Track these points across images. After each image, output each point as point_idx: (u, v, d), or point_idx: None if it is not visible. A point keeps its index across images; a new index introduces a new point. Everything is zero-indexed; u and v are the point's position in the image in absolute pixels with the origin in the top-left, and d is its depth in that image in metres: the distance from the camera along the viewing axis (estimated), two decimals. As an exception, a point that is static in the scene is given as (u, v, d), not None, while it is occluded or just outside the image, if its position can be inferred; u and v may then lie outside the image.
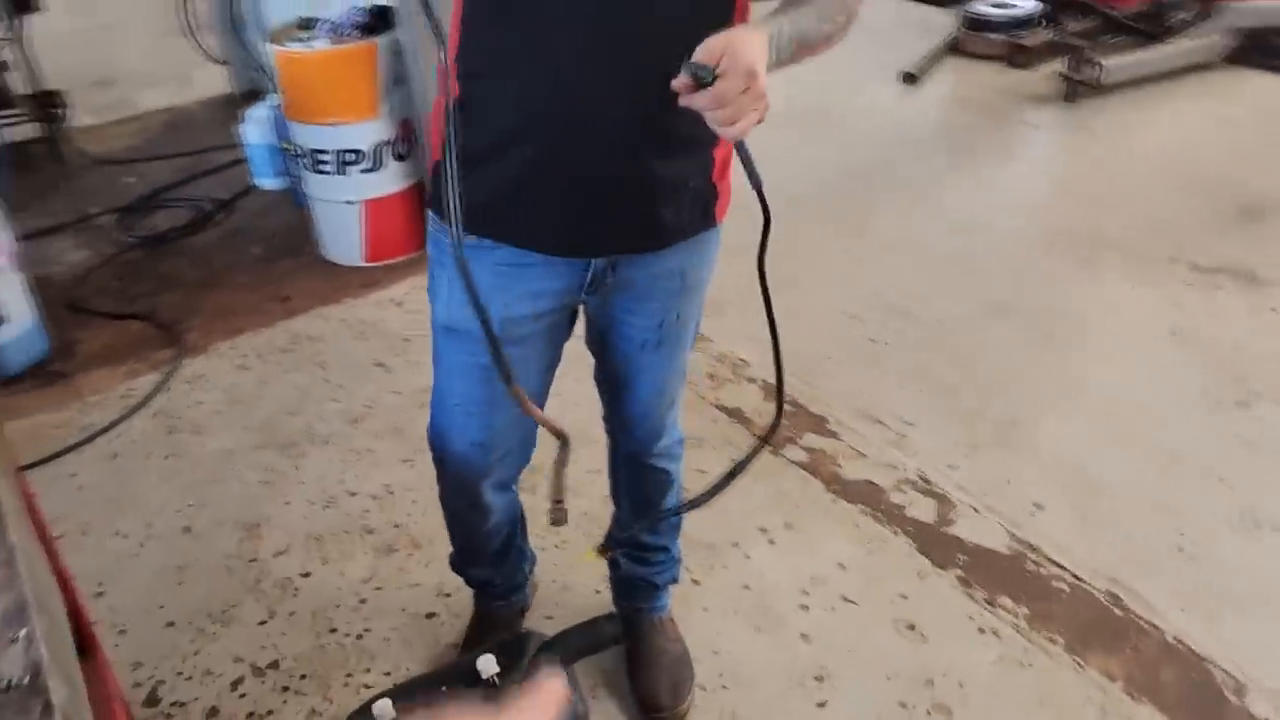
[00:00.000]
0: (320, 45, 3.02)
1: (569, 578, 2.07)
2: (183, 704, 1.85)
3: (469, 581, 1.86)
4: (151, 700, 1.86)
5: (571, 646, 1.43)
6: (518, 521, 1.80)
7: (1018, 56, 5.03)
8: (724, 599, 2.02)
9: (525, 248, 1.30)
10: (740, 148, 1.12)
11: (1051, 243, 3.42)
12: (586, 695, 1.51)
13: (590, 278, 1.35)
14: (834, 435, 2.44)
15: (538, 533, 2.10)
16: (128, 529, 2.26)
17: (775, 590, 2.03)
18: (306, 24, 3.18)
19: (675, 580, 1.87)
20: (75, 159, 4.39)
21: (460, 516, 1.70)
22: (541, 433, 1.42)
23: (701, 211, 1.37)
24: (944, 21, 5.53)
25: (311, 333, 2.98)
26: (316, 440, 2.50)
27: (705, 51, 1.02)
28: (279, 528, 2.24)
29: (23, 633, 0.86)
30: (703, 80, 1.03)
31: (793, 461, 2.36)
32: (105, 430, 2.58)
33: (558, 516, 1.44)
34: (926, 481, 2.29)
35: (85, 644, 1.63)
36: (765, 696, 1.82)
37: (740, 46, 1.01)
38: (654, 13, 1.14)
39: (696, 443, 2.43)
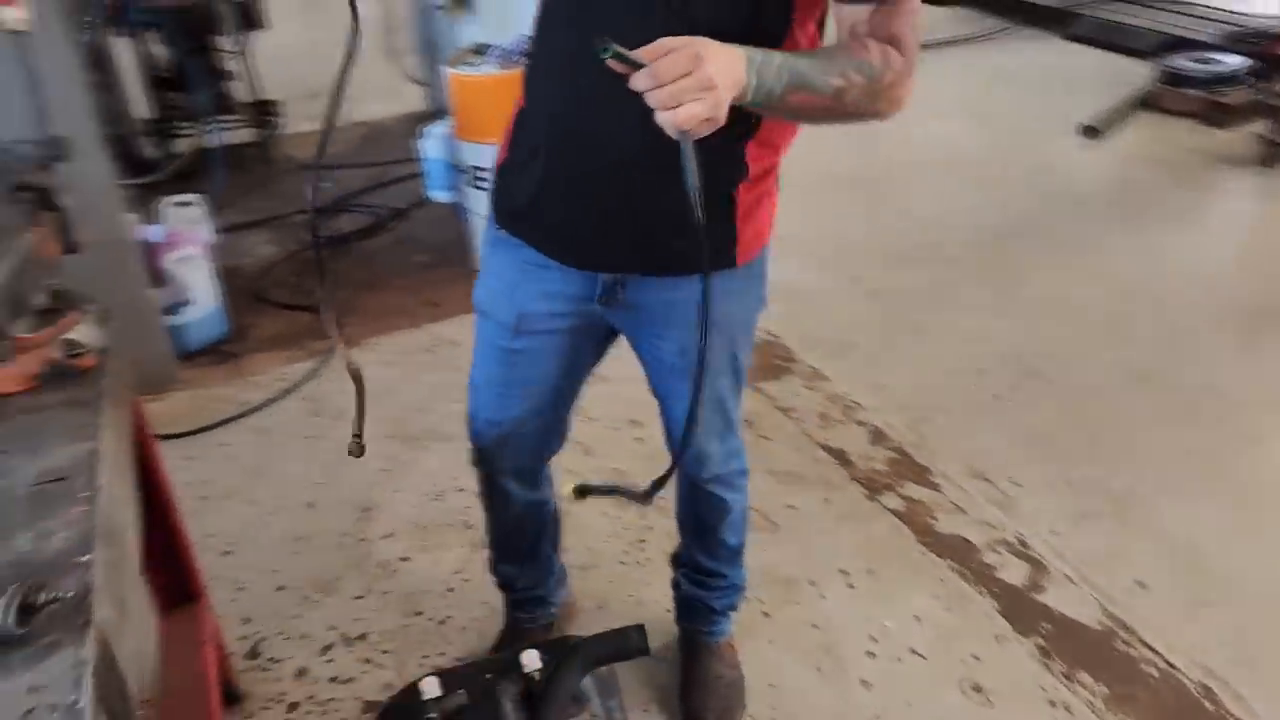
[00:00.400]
0: (488, 70, 3.23)
1: (643, 593, 2.13)
2: (277, 660, 2.03)
3: (498, 579, 1.93)
4: (252, 654, 2.04)
5: (594, 653, 1.50)
6: (546, 526, 1.87)
7: (1215, 115, 4.76)
8: (791, 635, 2.03)
9: (540, 252, 1.40)
10: (682, 144, 1.06)
11: (1221, 318, 3.22)
12: (619, 704, 1.57)
13: (600, 290, 1.42)
14: (935, 487, 2.41)
15: (624, 549, 2.18)
16: (262, 498, 2.49)
17: (844, 633, 2.02)
18: (480, 50, 3.40)
19: (734, 608, 1.90)
20: (282, 163, 4.82)
21: (486, 499, 1.80)
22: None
23: (715, 249, 1.38)
24: (1140, 73, 5.30)
25: (453, 338, 3.17)
26: (438, 437, 2.67)
27: (651, 46, 1.02)
28: (389, 513, 2.41)
29: (85, 558, 1.01)
30: (624, 60, 1.01)
31: (888, 508, 2.34)
32: (259, 408, 2.84)
33: (354, 449, 1.54)
34: (1024, 545, 2.22)
35: (192, 591, 1.82)
36: (815, 736, 1.82)
37: (693, 40, 1.02)
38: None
39: (794, 479, 2.45)
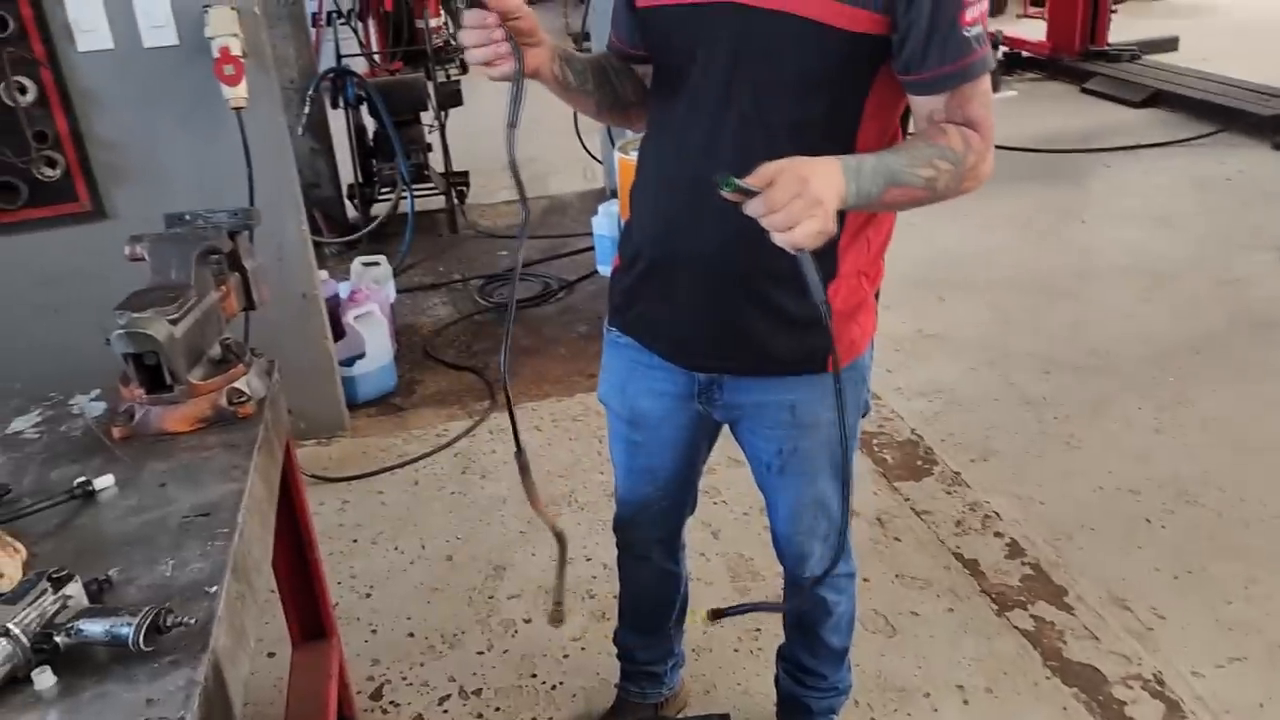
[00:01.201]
0: (658, 158, 3.38)
1: (752, 684, 2.13)
2: (397, 705, 2.14)
3: (619, 648, 1.99)
4: (376, 695, 2.17)
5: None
6: (674, 601, 1.91)
7: None
8: (858, 710, 1.98)
9: (641, 344, 1.50)
10: (800, 259, 1.13)
11: None
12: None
13: (698, 389, 1.50)
14: (1070, 610, 2.30)
15: (739, 636, 2.20)
16: (405, 546, 2.64)
17: (917, 706, 1.96)
18: (654, 138, 3.56)
19: (834, 711, 1.88)
20: (465, 230, 5.14)
21: (621, 566, 1.90)
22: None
23: (806, 354, 1.42)
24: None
25: (601, 409, 3.28)
26: (574, 505, 2.76)
27: (757, 174, 1.10)
28: (520, 574, 2.51)
29: (213, 589, 1.13)
30: (740, 190, 1.09)
31: (1016, 626, 2.26)
32: (415, 460, 3.02)
33: (555, 616, 1.67)
34: (1160, 684, 2.09)
35: (324, 628, 1.95)
36: None
37: (795, 162, 1.10)
38: (753, 161, 1.23)
39: (920, 585, 2.40)
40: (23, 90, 2.47)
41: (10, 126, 2.48)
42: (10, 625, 0.99)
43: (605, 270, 4.25)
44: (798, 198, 1.08)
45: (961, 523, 2.63)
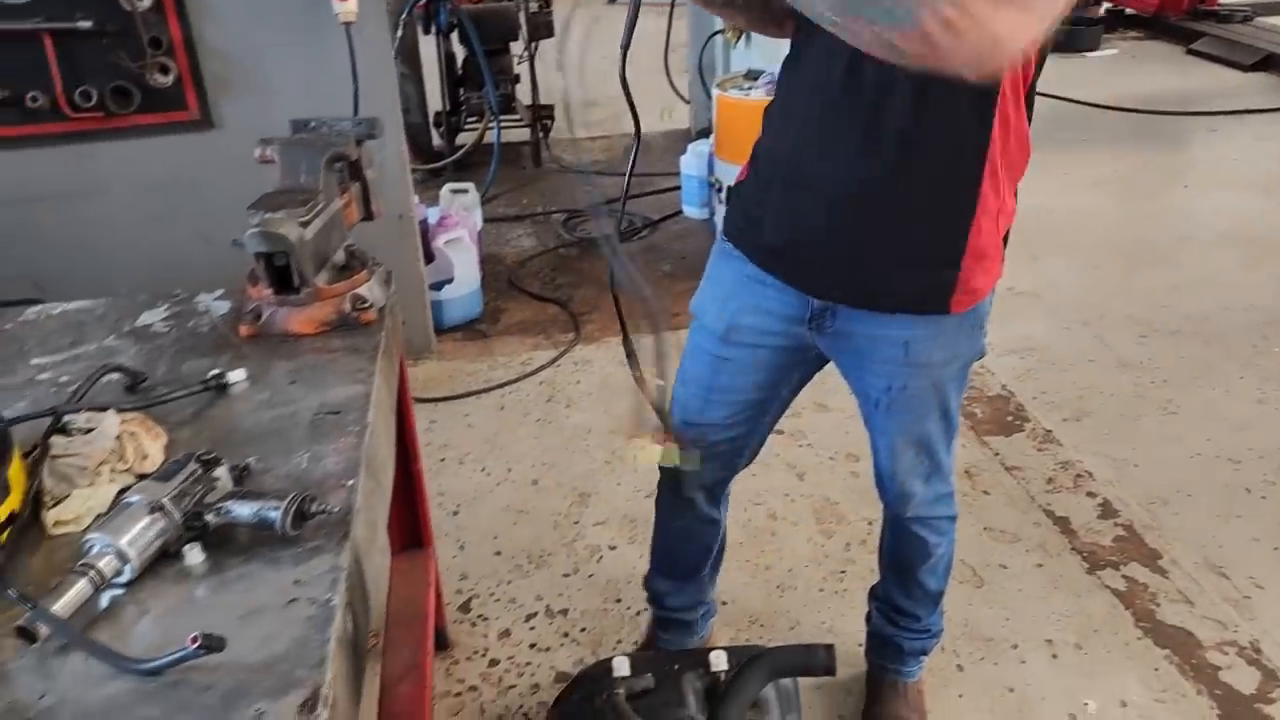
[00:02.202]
0: (756, 95, 3.32)
1: (837, 623, 2.13)
2: (486, 618, 2.18)
3: (649, 593, 1.95)
4: (464, 608, 2.21)
5: (780, 662, 1.53)
6: (712, 549, 1.88)
7: None
8: (983, 694, 1.97)
9: (761, 268, 1.47)
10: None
11: None
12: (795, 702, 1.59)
13: (810, 314, 1.46)
14: (1163, 573, 2.26)
15: (824, 577, 2.20)
16: (492, 468, 2.67)
17: (1040, 703, 1.95)
18: (752, 75, 3.49)
19: (925, 652, 1.87)
20: (550, 164, 5.12)
21: (661, 505, 1.83)
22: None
23: (927, 292, 1.39)
24: None
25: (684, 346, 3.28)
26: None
27: None
28: (605, 502, 2.53)
29: (350, 482, 1.15)
30: None
31: (1107, 585, 2.23)
32: (500, 386, 3.05)
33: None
34: (1258, 651, 2.05)
35: (423, 538, 1.99)
36: (993, 800, 1.77)
37: None
38: (894, 93, 1.23)
39: (1009, 539, 2.38)
40: (140, -6, 2.49)
41: (127, 31, 2.51)
42: (165, 500, 1.01)
43: (690, 210, 4.22)
44: None
45: (1053, 480, 2.59)
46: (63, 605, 0.92)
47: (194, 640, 0.86)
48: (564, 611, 2.18)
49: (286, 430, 1.26)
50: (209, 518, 1.04)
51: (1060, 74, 6.42)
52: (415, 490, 1.92)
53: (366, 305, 1.52)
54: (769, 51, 4.01)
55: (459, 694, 2.00)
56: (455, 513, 2.50)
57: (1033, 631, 2.11)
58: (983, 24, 0.89)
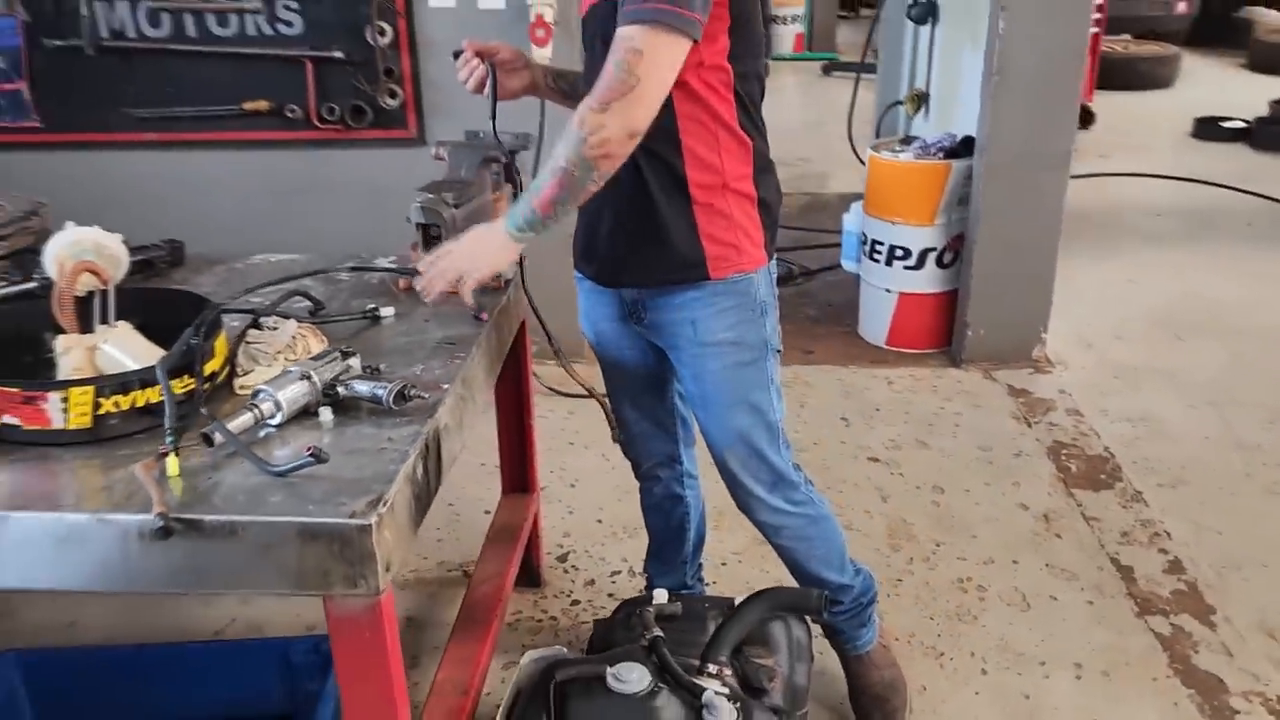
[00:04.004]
0: (906, 157, 3.60)
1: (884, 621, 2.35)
2: (577, 569, 2.56)
3: (647, 577, 2.24)
4: (561, 559, 2.59)
5: (778, 599, 1.82)
6: (680, 532, 2.16)
7: None
8: (1001, 697, 2.15)
9: (581, 273, 1.87)
10: None
11: None
12: (806, 672, 1.85)
13: (627, 308, 1.81)
14: (1213, 627, 2.35)
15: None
16: (612, 456, 3.01)
17: (1052, 713, 2.10)
18: (907, 140, 3.77)
19: (864, 623, 2.02)
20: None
21: (640, 488, 2.18)
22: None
23: (681, 262, 1.67)
24: None
25: (809, 380, 3.57)
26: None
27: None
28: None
29: (445, 386, 1.56)
30: None
31: (1151, 629, 2.34)
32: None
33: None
34: (1284, 707, 2.13)
35: (528, 484, 2.38)
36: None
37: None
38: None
39: (1068, 576, 2.53)
40: (382, 33, 3.09)
41: (368, 62, 3.12)
42: (312, 373, 1.45)
43: (847, 264, 4.50)
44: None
45: (1128, 534, 2.70)
46: (234, 426, 1.36)
47: (308, 450, 1.28)
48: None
49: (413, 350, 1.69)
50: (339, 389, 1.47)
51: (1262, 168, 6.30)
52: (526, 441, 2.33)
53: (497, 275, 1.94)
54: (942, 121, 4.27)
55: (540, 620, 2.37)
56: (573, 485, 2.90)
57: (1064, 655, 2.26)
58: (611, 131, 1.45)
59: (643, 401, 2.01)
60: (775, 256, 1.80)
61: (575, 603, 2.43)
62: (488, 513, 2.53)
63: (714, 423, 1.83)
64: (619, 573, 2.53)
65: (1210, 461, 3.07)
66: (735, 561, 2.58)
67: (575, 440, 3.14)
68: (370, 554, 1.22)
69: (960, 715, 2.10)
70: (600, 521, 2.74)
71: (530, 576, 2.45)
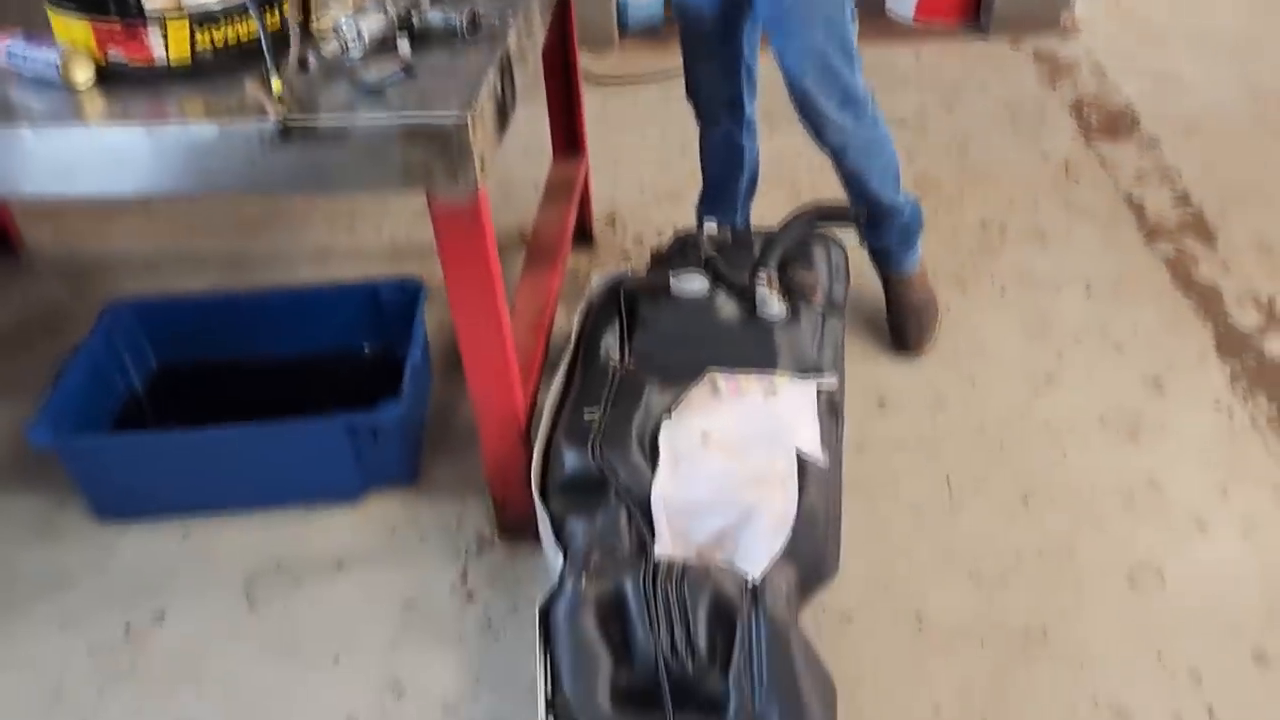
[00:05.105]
0: None
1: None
2: (625, 229, 2.76)
3: (698, 220, 2.44)
4: (609, 221, 2.80)
5: (823, 210, 2.01)
6: (737, 172, 2.33)
7: None
8: (1016, 307, 2.39)
9: None
10: None
11: None
12: (844, 291, 2.06)
13: None
14: (1213, 246, 2.55)
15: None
16: (650, 135, 3.19)
17: (1062, 318, 2.34)
18: None
19: (911, 244, 2.24)
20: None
21: (699, 134, 2.33)
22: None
23: None
24: None
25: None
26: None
27: None
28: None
29: (509, 16, 1.68)
30: None
31: (1157, 251, 2.55)
32: (673, 77, 3.50)
33: None
34: (1273, 305, 2.35)
35: (579, 146, 2.53)
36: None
37: None
38: None
39: (1083, 213, 2.72)
40: None
41: None
42: (387, 4, 1.58)
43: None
44: None
45: (1142, 177, 2.86)
46: (325, 50, 1.51)
47: (399, 66, 1.43)
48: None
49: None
50: (414, 19, 1.60)
51: None
52: (575, 102, 2.46)
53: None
54: None
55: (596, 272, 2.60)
56: (615, 161, 3.05)
57: (1076, 277, 2.48)
58: None
59: (712, 45, 2.11)
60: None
61: (626, 257, 2.65)
62: (536, 188, 2.72)
63: (791, 44, 1.92)
64: (664, 231, 2.73)
65: (1226, 109, 3.17)
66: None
67: (612, 123, 3.27)
68: (467, 150, 1.40)
69: (982, 327, 2.34)
70: (643, 191, 2.92)
71: (583, 236, 2.65)
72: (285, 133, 1.38)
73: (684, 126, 2.39)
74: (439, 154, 1.41)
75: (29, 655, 1.72)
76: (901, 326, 2.28)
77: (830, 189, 2.22)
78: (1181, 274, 2.47)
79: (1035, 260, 2.54)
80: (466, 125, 1.38)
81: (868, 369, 2.22)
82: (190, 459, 1.94)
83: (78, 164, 1.44)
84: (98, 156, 1.44)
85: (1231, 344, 2.25)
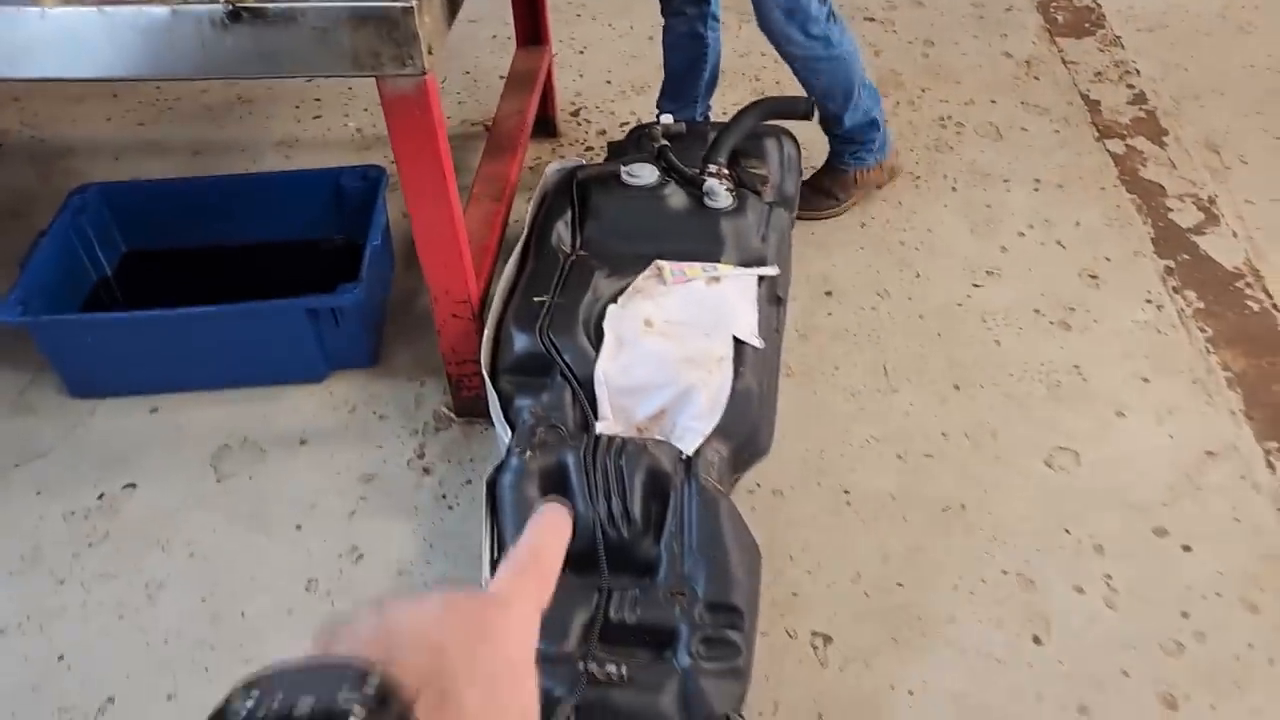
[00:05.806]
0: None
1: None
2: (589, 122, 2.79)
3: (658, 111, 2.41)
4: (574, 114, 2.82)
5: (769, 107, 2.06)
6: (699, 66, 2.37)
7: None
8: (963, 204, 2.45)
9: None
10: None
11: None
12: (795, 182, 2.12)
13: None
14: (1163, 145, 2.61)
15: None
16: (616, 25, 3.18)
17: (1009, 215, 2.41)
18: None
19: (851, 151, 2.33)
20: None
21: (663, 30, 2.36)
22: None
23: None
24: None
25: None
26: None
27: None
28: (702, 56, 3.01)
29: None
30: None
31: (1108, 149, 2.61)
32: None
33: None
34: (1212, 202, 2.43)
35: (541, 36, 2.54)
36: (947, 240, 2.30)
37: None
38: None
39: (1040, 111, 2.76)
40: None
41: None
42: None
43: None
44: None
45: (1101, 74, 2.89)
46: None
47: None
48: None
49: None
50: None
51: None
52: (537, -5, 2.47)
53: None
54: None
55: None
56: (581, 52, 3.06)
57: (1026, 173, 2.54)
58: None
59: None
60: None
61: (589, 149, 2.69)
62: (503, 78, 2.73)
63: None
64: (627, 123, 2.77)
65: (1193, 6, 3.18)
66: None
67: (581, 12, 3.25)
68: (414, 34, 1.44)
69: (929, 221, 2.41)
70: (609, 83, 2.93)
71: (547, 127, 2.69)
72: (235, 15, 1.42)
73: (653, 17, 2.40)
74: (386, 39, 1.45)
75: (8, 518, 1.82)
76: (805, 193, 2.32)
77: (794, 84, 2.25)
78: (1129, 171, 2.53)
79: (988, 157, 2.60)
80: (413, 10, 1.41)
81: (819, 259, 2.30)
82: (158, 339, 2.01)
83: (32, 46, 1.47)
84: (52, 39, 1.47)
85: (1168, 242, 2.33)
